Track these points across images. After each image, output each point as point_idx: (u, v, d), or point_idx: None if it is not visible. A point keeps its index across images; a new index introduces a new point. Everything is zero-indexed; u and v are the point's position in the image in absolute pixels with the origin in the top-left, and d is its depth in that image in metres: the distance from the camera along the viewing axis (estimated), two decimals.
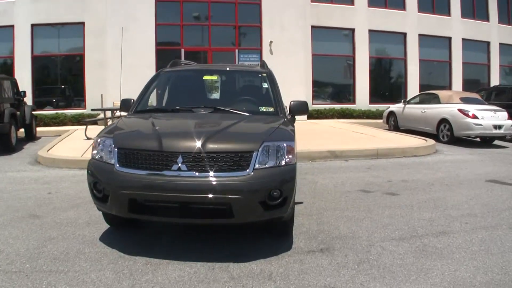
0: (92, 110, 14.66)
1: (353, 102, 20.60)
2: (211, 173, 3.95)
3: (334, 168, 8.77)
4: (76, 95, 18.92)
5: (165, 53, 17.49)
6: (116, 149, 4.23)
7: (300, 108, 5.51)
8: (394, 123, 15.89)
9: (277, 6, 18.02)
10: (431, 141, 11.45)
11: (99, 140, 4.48)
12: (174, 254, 4.20)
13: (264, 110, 5.37)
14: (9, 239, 4.67)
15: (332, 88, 21.45)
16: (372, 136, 12.47)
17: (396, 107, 16.02)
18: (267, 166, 4.08)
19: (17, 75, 17.58)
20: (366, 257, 4.11)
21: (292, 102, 5.53)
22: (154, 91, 6.03)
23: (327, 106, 19.86)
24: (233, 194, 3.88)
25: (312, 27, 19.60)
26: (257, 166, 4.02)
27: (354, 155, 9.85)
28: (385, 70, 22.36)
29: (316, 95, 20.42)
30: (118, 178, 4.09)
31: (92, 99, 17.54)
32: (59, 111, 17.62)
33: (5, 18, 17.92)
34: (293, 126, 5.09)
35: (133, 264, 4.00)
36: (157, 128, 4.54)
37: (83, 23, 18.28)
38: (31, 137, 13.70)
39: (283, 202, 4.09)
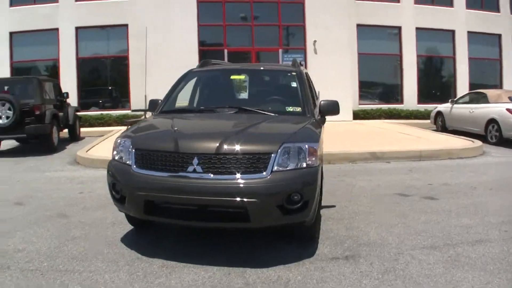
0: (133, 110, 14.82)
1: (401, 102, 19.97)
2: (227, 176, 3.83)
3: (374, 170, 8.43)
4: (122, 96, 19.25)
5: (208, 54, 17.48)
6: (133, 150, 4.19)
7: (330, 108, 5.31)
8: (441, 124, 15.25)
9: (321, 5, 17.67)
10: (478, 142, 10.86)
11: (119, 141, 4.46)
12: (192, 256, 4.08)
13: (291, 110, 5.18)
14: (33, 237, 4.70)
15: (379, 88, 20.90)
16: (417, 137, 11.98)
17: (443, 107, 15.38)
18: (287, 168, 3.90)
19: (63, 77, 18.12)
20: (393, 266, 3.84)
21: (322, 102, 5.34)
22: (185, 91, 5.99)
23: (374, 107, 19.36)
24: (249, 197, 3.72)
25: (358, 25, 19.15)
26: (275, 168, 3.85)
27: (396, 156, 9.45)
28: (434, 68, 21.54)
29: (362, 95, 19.94)
30: (134, 179, 4.06)
31: (136, 100, 17.74)
32: (104, 112, 18.02)
33: (50, 21, 18.43)
34: (320, 127, 4.88)
35: (149, 266, 3.91)
36: (175, 129, 4.45)
37: (126, 25, 18.55)
38: (74, 137, 14.03)
39: (304, 207, 3.89)
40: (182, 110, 5.54)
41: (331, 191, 6.66)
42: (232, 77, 6.09)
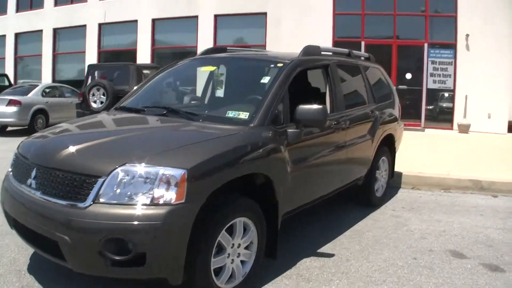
0: None
1: None
2: (50, 198, 2.99)
3: (462, 206, 6.23)
4: None
5: (343, 47, 15.71)
6: (15, 152, 3.65)
7: (305, 116, 3.79)
8: None
9: None
10: None
11: None
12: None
13: (231, 116, 3.81)
14: None
15: None
16: None
17: None
18: (120, 201, 2.76)
19: None
20: None
21: (298, 108, 3.77)
22: None
23: None
24: (60, 231, 2.82)
25: None
26: (103, 198, 2.77)
27: (509, 189, 7.00)
28: None
29: None
30: (2, 185, 3.55)
31: None
32: None
33: (190, 9, 18.57)
34: (251, 146, 3.46)
35: (15, 281, 3.46)
36: (57, 131, 3.80)
37: (265, 14, 17.78)
38: None
39: (139, 261, 2.71)
40: (124, 109, 4.49)
41: (364, 230, 5.06)
42: (202, 69, 4.83)
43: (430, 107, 15.61)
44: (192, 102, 4.96)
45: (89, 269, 2.89)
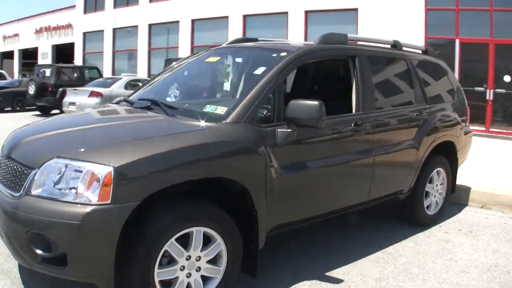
0: None
1: None
2: (2, 187, 2.95)
3: None
4: None
5: (436, 45, 14.62)
6: None
7: (296, 113, 3.25)
8: None
9: None
10: None
11: None
12: None
13: (207, 111, 3.39)
14: None
15: None
16: None
17: None
18: (47, 195, 2.62)
19: None
20: None
21: (290, 103, 3.26)
22: None
23: None
24: (1, 221, 2.79)
25: None
26: (36, 191, 2.66)
27: None
28: None
29: None
30: None
31: None
32: None
33: (280, 5, 18.26)
34: (231, 145, 3.08)
35: None
36: (33, 122, 3.87)
37: (356, 10, 16.94)
38: None
39: (60, 260, 2.57)
40: (126, 101, 4.32)
41: (397, 254, 4.37)
42: (207, 60, 4.48)
43: None
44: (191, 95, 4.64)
45: (22, 260, 2.76)
